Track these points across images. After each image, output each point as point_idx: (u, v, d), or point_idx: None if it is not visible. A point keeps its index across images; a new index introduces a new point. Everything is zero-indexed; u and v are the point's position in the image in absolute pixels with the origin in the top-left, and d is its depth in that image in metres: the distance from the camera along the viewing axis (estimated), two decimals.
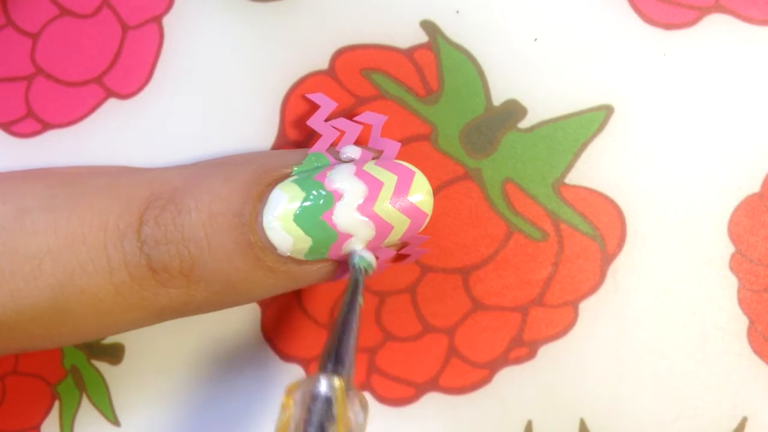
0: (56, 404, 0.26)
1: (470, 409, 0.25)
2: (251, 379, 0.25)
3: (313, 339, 0.25)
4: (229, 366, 0.25)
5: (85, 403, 0.26)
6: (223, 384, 0.25)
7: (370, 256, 0.22)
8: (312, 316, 0.25)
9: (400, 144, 0.23)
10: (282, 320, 0.25)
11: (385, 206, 0.21)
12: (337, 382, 0.19)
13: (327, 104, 0.24)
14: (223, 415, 0.26)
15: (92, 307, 0.21)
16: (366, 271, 0.22)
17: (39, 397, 0.26)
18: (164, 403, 0.26)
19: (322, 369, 0.19)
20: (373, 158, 0.22)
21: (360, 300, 0.21)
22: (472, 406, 0.25)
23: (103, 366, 0.26)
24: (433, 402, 0.25)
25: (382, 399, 0.25)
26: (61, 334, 0.22)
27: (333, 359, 0.19)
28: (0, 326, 0.21)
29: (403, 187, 0.22)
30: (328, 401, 0.19)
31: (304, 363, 0.25)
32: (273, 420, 0.25)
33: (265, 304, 0.25)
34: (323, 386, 0.19)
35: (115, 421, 0.26)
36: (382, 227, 0.21)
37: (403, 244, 0.23)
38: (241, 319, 0.25)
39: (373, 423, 0.25)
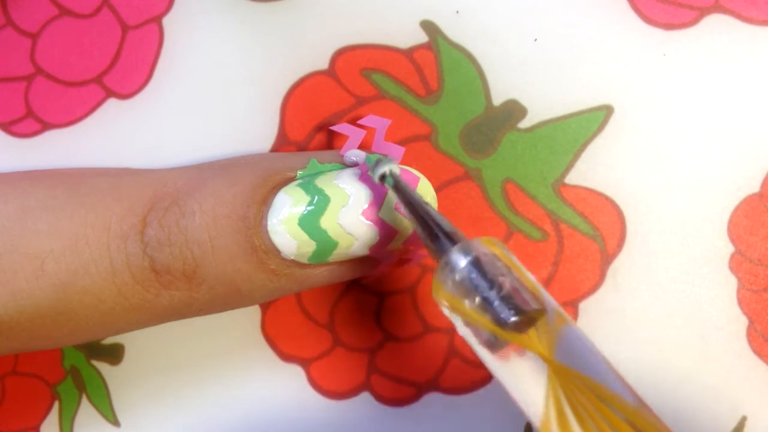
0: (56, 405, 0.26)
1: (470, 409, 0.25)
2: (251, 379, 0.25)
3: (313, 339, 0.25)
4: (229, 366, 0.25)
5: (85, 403, 0.26)
6: (223, 384, 0.25)
7: (388, 163, 0.21)
8: (312, 316, 0.25)
9: (404, 149, 0.23)
10: (282, 320, 0.25)
11: (389, 211, 0.21)
12: (484, 241, 0.19)
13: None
14: (222, 415, 0.26)
15: (94, 307, 0.21)
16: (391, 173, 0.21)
17: (38, 397, 0.26)
18: (164, 403, 0.26)
19: (453, 244, 0.19)
20: None
21: (414, 194, 0.20)
22: (472, 406, 0.25)
23: (102, 366, 0.26)
24: (433, 402, 0.25)
25: (382, 399, 0.25)
26: (62, 334, 0.22)
27: (451, 234, 0.19)
28: (1, 326, 0.21)
29: None
30: (494, 256, 0.19)
31: (304, 363, 0.25)
32: (271, 420, 0.25)
33: (265, 305, 0.25)
34: (478, 249, 0.19)
35: (115, 422, 0.26)
36: (387, 232, 0.21)
37: (406, 248, 0.23)
38: (241, 319, 0.25)
39: (373, 423, 0.25)
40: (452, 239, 0.19)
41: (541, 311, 0.18)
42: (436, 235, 0.19)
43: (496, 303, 0.18)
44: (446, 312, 0.19)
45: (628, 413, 0.18)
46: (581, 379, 0.18)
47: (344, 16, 0.24)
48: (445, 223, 0.20)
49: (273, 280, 0.22)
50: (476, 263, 0.19)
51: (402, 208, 0.21)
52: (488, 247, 0.19)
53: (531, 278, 0.19)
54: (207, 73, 0.25)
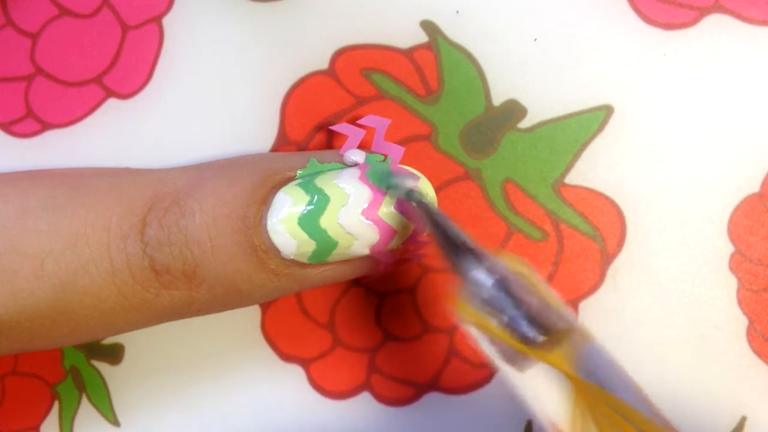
0: (56, 404, 0.26)
1: (470, 409, 0.25)
2: (251, 379, 0.25)
3: (313, 339, 0.25)
4: (229, 366, 0.25)
5: (85, 403, 0.26)
6: (223, 384, 0.25)
7: (411, 181, 0.21)
8: (312, 316, 0.25)
9: (404, 148, 0.23)
10: (282, 320, 0.25)
11: (389, 211, 0.21)
12: (508, 259, 0.19)
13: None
14: (223, 415, 0.26)
15: (94, 307, 0.21)
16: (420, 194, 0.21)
17: (38, 397, 0.26)
18: (164, 403, 0.26)
19: (478, 263, 0.19)
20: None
21: (438, 210, 0.21)
22: (472, 406, 0.25)
23: (102, 366, 0.26)
24: (433, 402, 0.25)
25: (382, 399, 0.25)
26: (62, 334, 0.22)
27: (476, 251, 0.19)
28: (1, 326, 0.21)
29: None
30: (519, 274, 0.19)
31: (304, 363, 0.25)
32: (271, 420, 0.25)
33: (265, 305, 0.25)
34: (504, 268, 0.19)
35: (115, 422, 0.26)
36: (386, 231, 0.21)
37: (406, 248, 0.23)
38: (241, 319, 0.25)
39: (373, 423, 0.25)
40: (477, 256, 0.19)
41: (568, 330, 0.18)
42: (460, 252, 0.19)
43: (524, 322, 0.18)
44: (471, 330, 0.19)
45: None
46: (605, 397, 0.18)
47: (344, 16, 0.24)
48: (470, 240, 0.20)
49: (273, 280, 0.22)
50: (503, 282, 0.19)
51: (425, 223, 0.21)
52: (513, 265, 0.19)
53: (555, 297, 0.19)
54: (207, 73, 0.25)
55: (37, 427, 0.26)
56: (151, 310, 0.22)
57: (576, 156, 0.24)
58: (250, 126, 0.25)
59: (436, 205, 0.21)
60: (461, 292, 0.19)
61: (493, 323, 0.18)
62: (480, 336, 0.19)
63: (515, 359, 0.18)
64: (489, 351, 0.19)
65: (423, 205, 0.21)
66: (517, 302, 0.18)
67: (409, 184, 0.21)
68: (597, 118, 0.24)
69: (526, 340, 0.18)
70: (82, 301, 0.21)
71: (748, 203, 0.24)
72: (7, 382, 0.26)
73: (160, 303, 0.21)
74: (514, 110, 0.24)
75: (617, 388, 0.18)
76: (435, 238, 0.20)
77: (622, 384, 0.18)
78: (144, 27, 0.25)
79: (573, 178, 0.24)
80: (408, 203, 0.21)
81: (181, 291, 0.21)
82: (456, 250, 0.19)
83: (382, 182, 0.21)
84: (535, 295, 0.19)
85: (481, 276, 0.19)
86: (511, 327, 0.18)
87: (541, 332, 0.18)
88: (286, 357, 0.25)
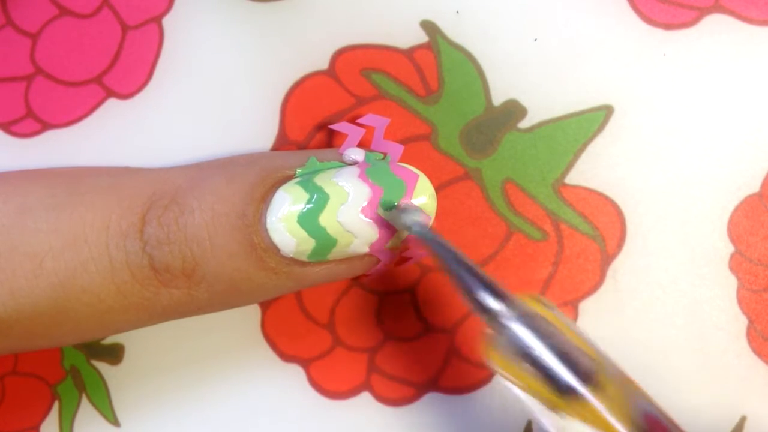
0: (56, 404, 0.26)
1: (470, 409, 0.25)
2: (251, 379, 0.25)
3: (313, 339, 0.25)
4: (229, 366, 0.25)
5: (85, 403, 0.26)
6: (223, 384, 0.25)
7: (417, 214, 0.21)
8: (312, 316, 0.25)
9: (403, 147, 0.23)
10: (282, 320, 0.25)
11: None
12: (532, 302, 0.18)
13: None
14: (222, 415, 0.26)
15: (93, 306, 0.21)
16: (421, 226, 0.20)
17: (38, 397, 0.26)
18: (164, 403, 0.26)
19: (500, 301, 0.18)
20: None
21: (446, 247, 0.20)
22: (472, 406, 0.25)
23: (102, 366, 0.26)
24: (433, 402, 0.25)
25: (382, 399, 0.25)
26: (61, 333, 0.22)
27: (498, 292, 0.18)
28: (0, 325, 0.21)
29: (406, 190, 0.22)
30: (543, 319, 0.18)
31: (304, 363, 0.25)
32: (271, 420, 0.25)
33: (265, 304, 0.25)
34: (530, 310, 0.18)
35: (115, 422, 0.26)
36: (386, 229, 0.21)
37: (405, 247, 0.23)
38: (241, 319, 0.25)
39: (373, 423, 0.25)
40: (499, 295, 0.18)
41: (599, 368, 0.17)
42: (478, 292, 0.19)
43: (552, 367, 0.17)
44: (499, 375, 0.18)
45: None
46: None
47: (344, 16, 0.24)
48: (486, 277, 0.19)
49: (272, 279, 0.22)
50: (528, 320, 0.18)
51: (436, 258, 0.20)
52: (536, 305, 0.18)
53: (584, 336, 0.18)
54: (207, 73, 0.25)
55: (37, 427, 0.26)
56: (150, 309, 0.22)
57: (576, 156, 0.24)
58: (250, 126, 0.25)
59: (447, 242, 0.20)
60: (489, 338, 0.18)
61: (520, 369, 0.17)
62: (514, 385, 0.18)
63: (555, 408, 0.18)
64: (524, 398, 0.18)
65: (434, 242, 0.20)
66: (543, 346, 0.17)
67: (409, 217, 0.21)
68: (597, 118, 0.24)
69: (557, 386, 0.17)
70: (81, 300, 0.21)
71: (748, 203, 0.24)
72: (7, 382, 0.26)
73: (160, 301, 0.21)
74: (514, 110, 0.24)
75: None
76: (448, 273, 0.19)
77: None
78: (144, 27, 0.25)
79: (573, 178, 0.24)
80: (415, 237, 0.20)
81: (181, 289, 0.21)
82: (474, 287, 0.19)
83: (394, 221, 0.21)
84: (559, 337, 0.18)
85: (507, 320, 0.18)
86: (539, 372, 0.17)
87: (572, 375, 0.17)
88: (286, 357, 0.25)
